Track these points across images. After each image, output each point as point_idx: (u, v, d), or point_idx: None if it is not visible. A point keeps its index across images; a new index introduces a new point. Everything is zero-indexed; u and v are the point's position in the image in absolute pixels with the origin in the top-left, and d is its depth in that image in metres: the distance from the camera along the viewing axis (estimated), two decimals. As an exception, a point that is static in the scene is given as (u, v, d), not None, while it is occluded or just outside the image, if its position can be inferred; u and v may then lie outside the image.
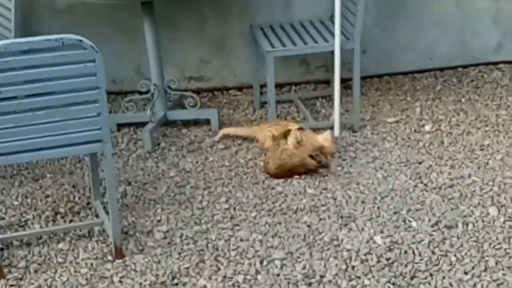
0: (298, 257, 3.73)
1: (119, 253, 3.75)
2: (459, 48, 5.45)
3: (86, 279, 3.65)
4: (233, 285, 3.59)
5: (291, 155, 4.30)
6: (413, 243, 3.80)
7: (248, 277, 3.63)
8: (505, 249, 3.74)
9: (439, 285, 3.55)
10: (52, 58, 3.39)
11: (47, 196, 4.24)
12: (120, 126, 4.87)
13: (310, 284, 3.57)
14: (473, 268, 3.63)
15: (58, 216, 4.07)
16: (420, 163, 4.44)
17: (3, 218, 4.06)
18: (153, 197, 4.21)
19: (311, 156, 4.33)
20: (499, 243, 3.78)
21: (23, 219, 4.05)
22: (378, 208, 4.06)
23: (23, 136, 3.47)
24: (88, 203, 4.16)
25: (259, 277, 3.63)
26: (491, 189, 4.18)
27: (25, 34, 4.29)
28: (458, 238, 3.83)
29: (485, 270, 3.62)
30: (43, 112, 3.45)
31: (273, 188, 4.26)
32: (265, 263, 3.71)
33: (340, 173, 4.36)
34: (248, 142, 4.67)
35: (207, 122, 4.87)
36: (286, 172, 4.31)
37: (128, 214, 4.07)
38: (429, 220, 3.95)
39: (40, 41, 3.37)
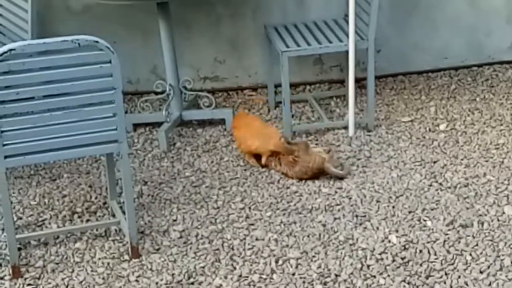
0: (313, 256, 3.75)
1: (135, 253, 3.77)
2: (474, 47, 5.44)
3: (103, 278, 3.67)
4: (248, 284, 3.60)
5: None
6: (428, 242, 3.80)
7: (264, 276, 3.64)
8: (520, 248, 3.74)
9: (454, 284, 3.55)
10: (69, 59, 3.42)
11: (64, 196, 4.27)
12: (136, 126, 4.89)
13: (325, 283, 3.58)
14: (488, 267, 3.64)
15: (75, 216, 4.10)
16: (435, 162, 4.44)
17: (21, 218, 4.09)
18: (169, 197, 4.23)
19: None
20: (514, 242, 3.79)
21: (40, 219, 4.09)
22: (393, 207, 4.07)
23: (40, 136, 3.50)
24: (104, 203, 4.18)
25: (274, 276, 3.64)
26: (506, 188, 4.18)
27: (41, 35, 4.33)
28: (473, 237, 3.83)
29: (501, 269, 3.62)
30: (60, 113, 3.48)
31: (288, 187, 4.27)
32: (280, 262, 3.72)
33: (355, 173, 4.37)
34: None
35: (222, 122, 4.88)
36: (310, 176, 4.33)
37: (144, 214, 4.09)
38: (444, 219, 3.96)
39: (56, 42, 3.40)
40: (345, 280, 3.59)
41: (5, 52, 3.33)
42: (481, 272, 3.61)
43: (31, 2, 4.55)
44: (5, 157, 3.48)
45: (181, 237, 3.92)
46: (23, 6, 4.61)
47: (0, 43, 4.61)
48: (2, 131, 3.43)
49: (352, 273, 3.63)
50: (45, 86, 3.43)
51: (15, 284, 3.65)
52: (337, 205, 4.10)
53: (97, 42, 3.43)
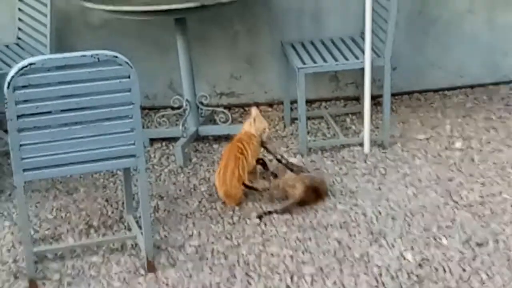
0: (329, 273, 3.74)
1: (151, 267, 3.78)
2: (490, 65, 5.45)
3: (119, 292, 3.69)
4: (264, 300, 3.61)
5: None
6: (443, 260, 3.80)
7: (279, 292, 3.65)
8: (536, 267, 3.73)
9: (470, 302, 3.55)
10: (88, 73, 3.44)
11: (81, 209, 4.29)
12: (152, 141, 4.92)
13: (340, 300, 3.59)
14: (503, 286, 3.62)
15: (92, 230, 4.11)
16: (450, 180, 4.44)
17: (38, 231, 4.11)
18: (184, 212, 4.24)
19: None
20: (530, 261, 3.77)
21: (57, 233, 4.10)
22: (409, 224, 4.07)
23: (58, 150, 3.51)
24: (121, 217, 4.20)
25: (289, 292, 3.65)
26: (522, 207, 4.18)
27: (60, 50, 4.37)
28: (488, 255, 3.82)
29: (516, 288, 3.62)
30: (78, 127, 3.50)
31: (303, 204, 4.28)
32: (295, 278, 3.72)
33: (370, 190, 4.37)
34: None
35: (238, 137, 4.90)
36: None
37: (160, 229, 4.10)
38: (460, 237, 3.95)
39: (76, 57, 3.42)
40: (360, 297, 3.59)
41: (25, 66, 3.35)
42: (496, 291, 3.60)
43: (50, 17, 4.60)
44: (24, 170, 3.50)
45: (196, 252, 3.92)
46: (42, 21, 4.66)
47: (19, 57, 4.66)
48: (21, 145, 3.45)
49: (367, 290, 3.63)
50: (64, 101, 3.45)
51: (32, 297, 3.68)
52: (353, 221, 4.10)
53: (116, 57, 3.45)
